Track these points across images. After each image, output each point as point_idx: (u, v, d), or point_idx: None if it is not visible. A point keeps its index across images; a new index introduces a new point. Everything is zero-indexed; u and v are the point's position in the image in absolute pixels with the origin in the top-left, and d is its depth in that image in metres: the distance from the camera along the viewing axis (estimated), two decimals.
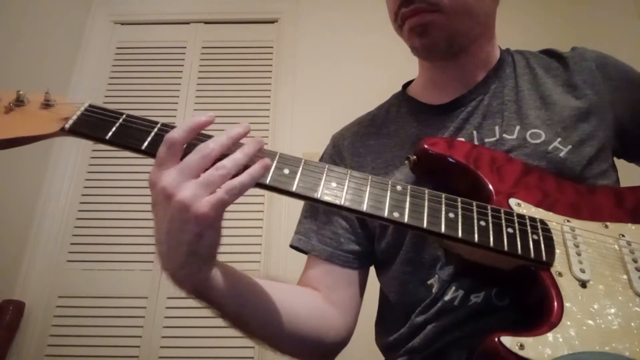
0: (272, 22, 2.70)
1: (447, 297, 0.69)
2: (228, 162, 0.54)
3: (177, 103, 2.48)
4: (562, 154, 0.72)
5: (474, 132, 0.77)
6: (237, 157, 0.55)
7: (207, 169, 0.53)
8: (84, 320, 2.07)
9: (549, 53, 0.86)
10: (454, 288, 0.69)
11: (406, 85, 0.94)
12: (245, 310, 0.65)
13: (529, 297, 0.61)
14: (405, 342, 0.73)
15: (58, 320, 2.09)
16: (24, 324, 2.03)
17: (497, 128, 0.76)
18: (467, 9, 0.75)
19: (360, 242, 0.82)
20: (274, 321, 0.68)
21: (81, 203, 2.30)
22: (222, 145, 0.55)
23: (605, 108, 0.77)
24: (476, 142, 0.76)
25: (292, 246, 0.85)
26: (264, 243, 2.21)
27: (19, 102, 0.60)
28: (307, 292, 0.79)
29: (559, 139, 0.73)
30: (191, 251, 0.53)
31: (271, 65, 2.58)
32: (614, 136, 0.78)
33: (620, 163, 0.83)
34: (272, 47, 2.63)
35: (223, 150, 0.55)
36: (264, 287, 0.68)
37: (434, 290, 0.70)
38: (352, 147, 0.87)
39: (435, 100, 0.84)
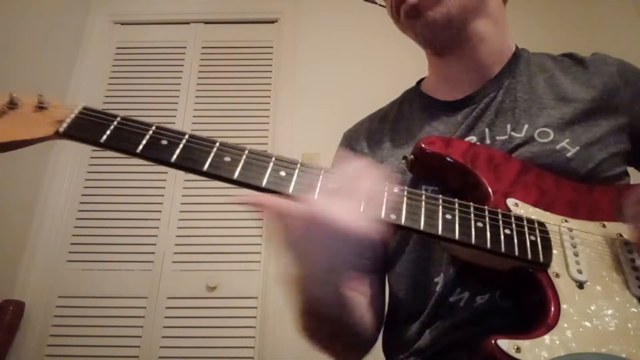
0: (272, 22, 2.70)
1: (452, 299, 0.69)
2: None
3: (177, 103, 2.48)
4: (569, 154, 0.71)
5: (486, 130, 0.76)
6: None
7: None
8: (84, 320, 2.08)
9: (569, 56, 0.85)
10: (459, 289, 0.68)
11: (420, 82, 0.93)
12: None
13: (527, 299, 0.61)
14: (410, 344, 0.73)
15: (58, 320, 2.09)
16: (24, 324, 2.03)
17: (508, 126, 0.76)
18: None
19: (375, 247, 0.80)
20: (341, 315, 0.67)
21: (81, 203, 2.30)
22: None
23: (622, 113, 0.76)
24: (488, 140, 0.75)
25: None
26: (264, 243, 2.21)
27: (12, 104, 0.59)
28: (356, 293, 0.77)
29: (567, 140, 0.72)
30: None
31: (271, 65, 2.58)
32: (628, 142, 0.77)
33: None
34: (272, 47, 2.63)
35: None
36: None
37: (438, 288, 0.70)
38: (367, 146, 0.86)
39: (449, 96, 0.83)
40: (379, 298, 0.81)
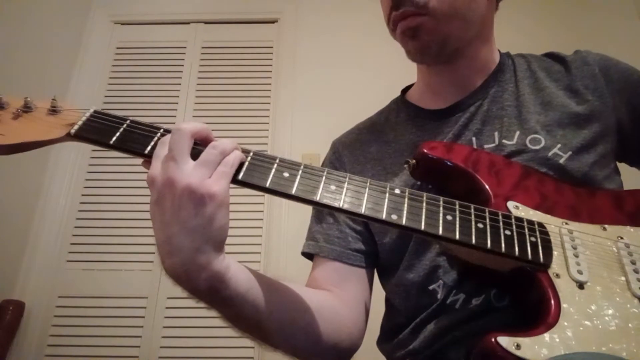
0: (272, 22, 2.70)
1: (448, 301, 0.70)
2: (220, 144, 0.56)
3: (177, 103, 2.48)
4: (562, 161, 0.72)
5: (473, 138, 0.77)
6: (226, 142, 0.57)
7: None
8: (84, 320, 2.08)
9: (551, 56, 0.85)
10: (454, 291, 0.70)
11: (406, 90, 0.93)
12: (263, 309, 0.60)
13: (527, 299, 0.61)
14: (405, 345, 0.73)
15: (58, 320, 2.09)
16: (24, 324, 2.03)
17: (496, 134, 0.76)
18: (457, 11, 0.75)
19: (367, 242, 0.82)
20: (292, 322, 0.65)
21: (81, 203, 2.30)
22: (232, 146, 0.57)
23: (607, 113, 0.76)
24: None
25: (303, 253, 0.85)
26: (264, 243, 2.21)
27: (27, 108, 0.62)
28: (319, 292, 0.76)
29: (559, 145, 0.73)
30: (205, 236, 0.52)
31: (271, 65, 2.58)
32: (616, 140, 0.78)
33: (622, 166, 0.83)
34: (272, 47, 2.63)
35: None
36: (280, 286, 0.66)
37: (438, 296, 0.71)
38: (352, 155, 0.87)
39: (434, 105, 0.84)
40: (363, 293, 0.80)
